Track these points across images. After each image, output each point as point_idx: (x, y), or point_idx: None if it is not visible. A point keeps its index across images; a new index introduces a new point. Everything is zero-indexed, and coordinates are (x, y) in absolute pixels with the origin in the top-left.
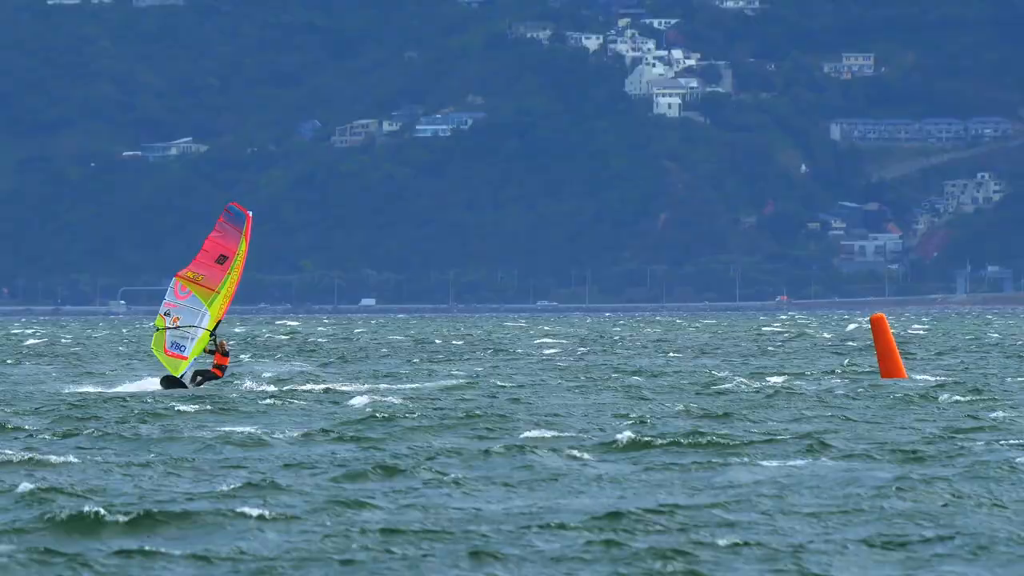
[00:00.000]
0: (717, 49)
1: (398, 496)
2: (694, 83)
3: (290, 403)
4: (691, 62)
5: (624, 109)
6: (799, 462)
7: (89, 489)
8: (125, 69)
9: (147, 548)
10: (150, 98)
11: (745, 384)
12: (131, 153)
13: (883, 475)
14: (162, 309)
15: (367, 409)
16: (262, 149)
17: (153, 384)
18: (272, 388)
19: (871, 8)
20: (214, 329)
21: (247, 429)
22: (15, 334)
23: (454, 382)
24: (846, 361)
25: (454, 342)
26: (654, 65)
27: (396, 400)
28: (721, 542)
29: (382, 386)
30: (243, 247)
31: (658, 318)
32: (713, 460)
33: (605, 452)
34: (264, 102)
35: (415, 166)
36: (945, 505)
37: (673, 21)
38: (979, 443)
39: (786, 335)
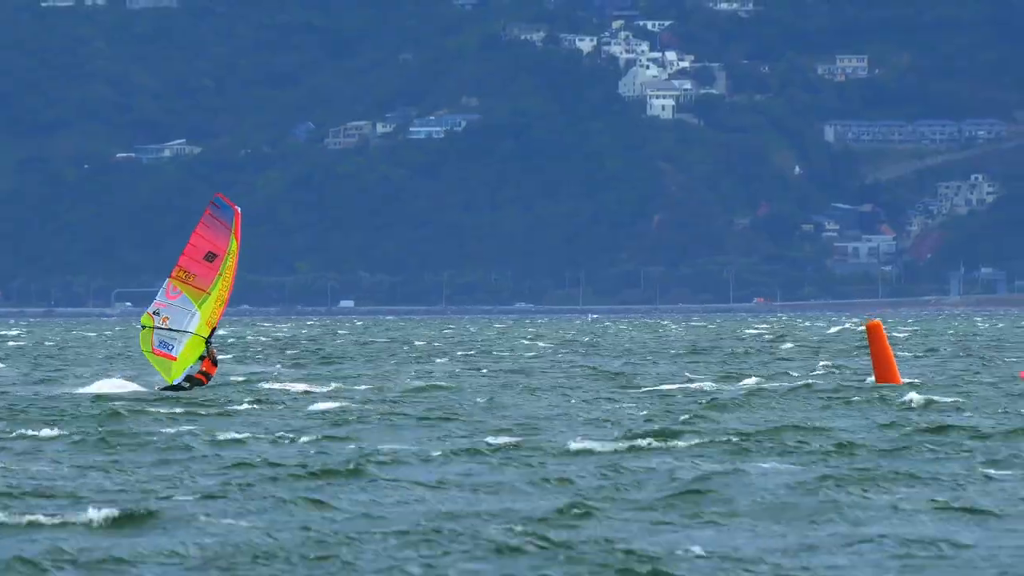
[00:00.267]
0: (711, 51)
1: (362, 496)
2: (688, 85)
3: (260, 404)
4: (685, 64)
5: (618, 111)
6: (746, 464)
7: (59, 489)
8: (120, 71)
9: (115, 553)
10: (146, 99)
11: (712, 387)
12: (125, 155)
13: (807, 475)
14: (151, 308)
15: (335, 409)
16: (256, 151)
17: (125, 385)
18: (244, 388)
19: (865, 10)
20: (210, 336)
21: (216, 429)
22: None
23: (425, 383)
24: (819, 364)
25: (433, 344)
26: (648, 67)
27: (364, 401)
28: (674, 542)
29: (351, 387)
30: (234, 246)
31: (647, 321)
32: (670, 462)
33: (567, 455)
34: (259, 103)
35: (409, 168)
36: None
37: (667, 23)
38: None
39: (768, 337)
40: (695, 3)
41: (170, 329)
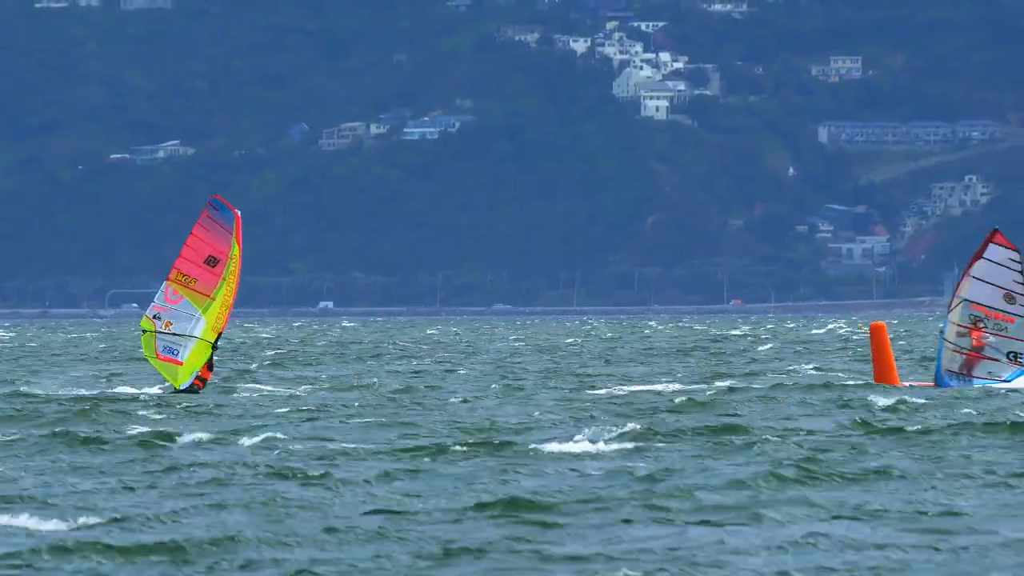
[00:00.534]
0: (705, 52)
1: (327, 495)
2: (682, 86)
3: (230, 404)
4: (679, 65)
5: (612, 112)
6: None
7: (24, 492)
8: (114, 72)
9: (79, 554)
10: (140, 100)
11: (684, 387)
12: (119, 156)
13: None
14: (150, 312)
15: (303, 409)
16: (250, 152)
17: (93, 384)
18: (217, 388)
19: (859, 11)
20: (216, 341)
21: (183, 429)
22: None
23: (401, 384)
24: (799, 365)
25: (411, 345)
26: (642, 68)
27: (332, 401)
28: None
29: (318, 388)
30: (236, 251)
31: (630, 321)
32: (638, 463)
33: (535, 456)
34: (253, 104)
35: (404, 169)
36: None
37: (661, 24)
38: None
39: (750, 339)
40: (689, 4)
41: (174, 334)
